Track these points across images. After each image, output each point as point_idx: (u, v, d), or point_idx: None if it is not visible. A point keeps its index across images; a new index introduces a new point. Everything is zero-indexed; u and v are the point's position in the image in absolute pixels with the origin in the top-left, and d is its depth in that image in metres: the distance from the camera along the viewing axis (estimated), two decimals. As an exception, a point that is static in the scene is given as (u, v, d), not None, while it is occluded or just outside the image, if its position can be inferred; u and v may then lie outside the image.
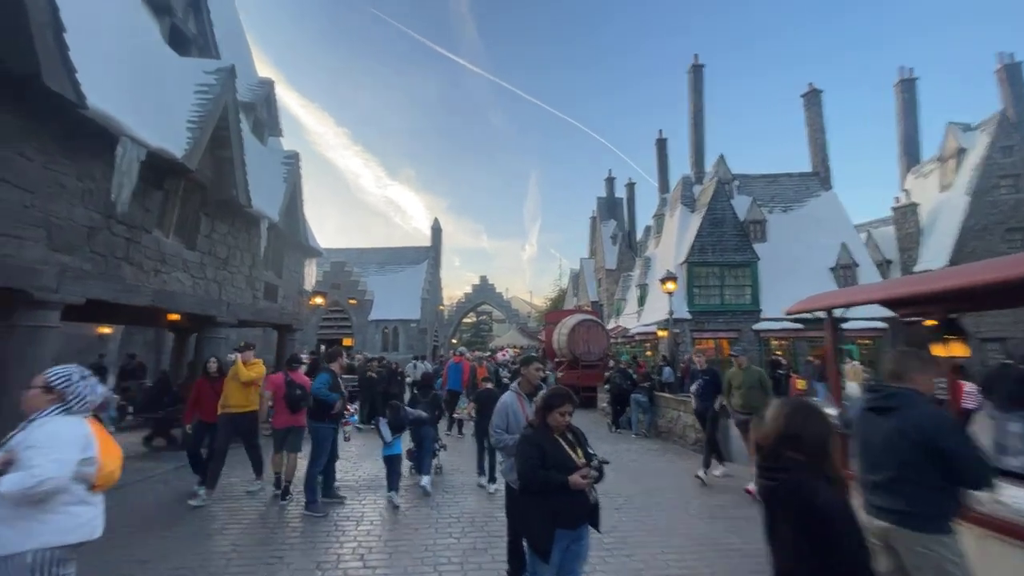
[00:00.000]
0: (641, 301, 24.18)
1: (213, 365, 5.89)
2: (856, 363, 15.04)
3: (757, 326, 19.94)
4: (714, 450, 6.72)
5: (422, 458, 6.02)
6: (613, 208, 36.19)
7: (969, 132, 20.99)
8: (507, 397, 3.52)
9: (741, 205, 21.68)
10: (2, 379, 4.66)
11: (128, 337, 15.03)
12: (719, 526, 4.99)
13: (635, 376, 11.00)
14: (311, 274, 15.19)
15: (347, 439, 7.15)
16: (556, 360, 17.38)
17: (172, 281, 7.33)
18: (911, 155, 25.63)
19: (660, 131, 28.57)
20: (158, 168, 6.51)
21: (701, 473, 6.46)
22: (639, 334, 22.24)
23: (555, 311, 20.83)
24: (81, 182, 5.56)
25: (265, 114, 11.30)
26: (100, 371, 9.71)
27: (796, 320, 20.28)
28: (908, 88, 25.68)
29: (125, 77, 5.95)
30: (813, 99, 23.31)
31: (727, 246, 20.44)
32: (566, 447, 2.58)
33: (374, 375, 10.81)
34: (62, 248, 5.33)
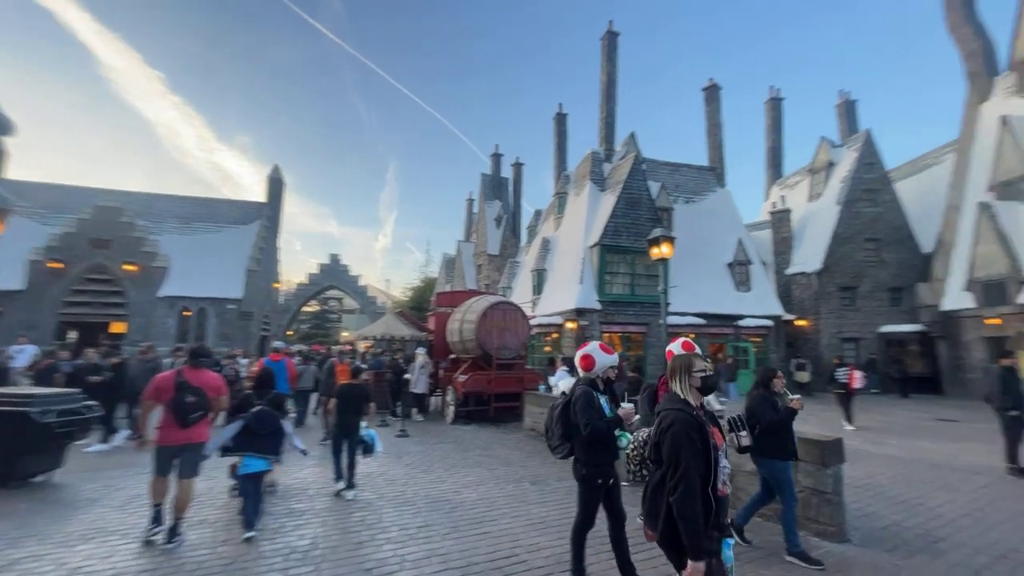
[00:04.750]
0: (538, 289, 20.86)
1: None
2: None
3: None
4: None
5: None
6: (498, 188, 32.63)
7: (837, 148, 22.80)
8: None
9: (650, 191, 19.89)
10: None
11: None
12: None
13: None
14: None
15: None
16: (452, 357, 12.67)
17: None
18: (776, 167, 27.66)
19: (560, 105, 25.90)
20: None
21: None
22: (538, 326, 18.79)
23: (448, 292, 16.01)
24: None
25: None
26: None
27: (700, 315, 19.32)
28: (776, 107, 27.64)
29: None
30: (713, 94, 23.03)
31: (641, 231, 18.28)
32: None
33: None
34: None
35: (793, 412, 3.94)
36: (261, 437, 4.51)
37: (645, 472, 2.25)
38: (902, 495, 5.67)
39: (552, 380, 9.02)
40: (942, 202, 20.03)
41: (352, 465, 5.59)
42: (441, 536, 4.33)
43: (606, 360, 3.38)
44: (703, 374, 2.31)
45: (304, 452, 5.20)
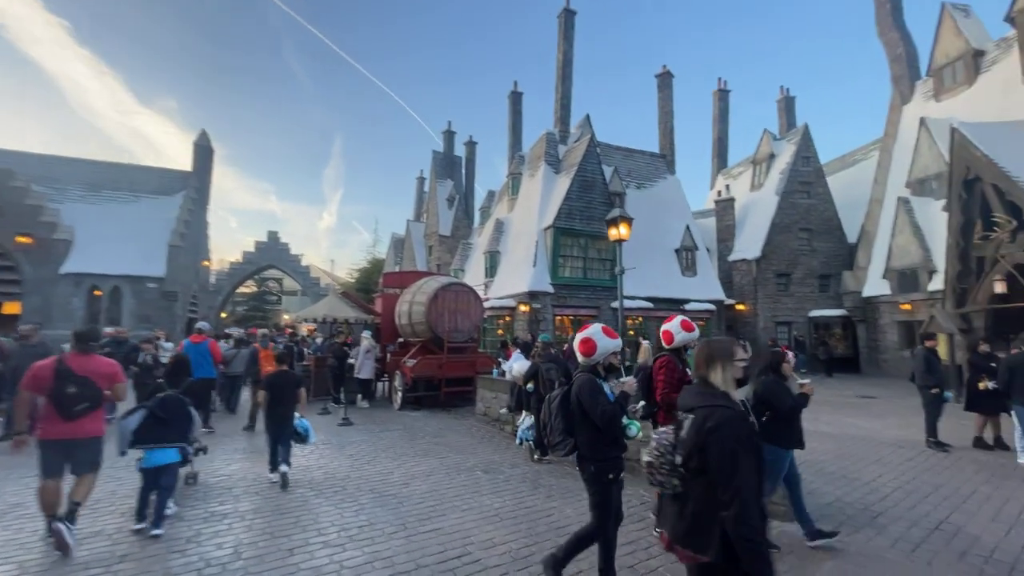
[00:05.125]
0: (491, 271, 20.49)
1: None
2: (647, 343, 15.30)
3: (615, 304, 18.43)
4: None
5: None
6: (451, 167, 31.60)
7: (778, 141, 23.87)
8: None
9: (604, 174, 19.91)
10: None
11: None
12: None
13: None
14: None
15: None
16: (401, 340, 12.08)
17: None
18: (722, 157, 28.67)
19: (515, 84, 25.22)
20: None
21: None
22: (490, 308, 18.47)
23: (397, 273, 15.25)
24: None
25: None
26: None
27: (648, 299, 19.76)
28: (723, 98, 28.53)
29: None
30: (665, 81, 23.30)
31: (594, 214, 18.32)
32: None
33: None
34: None
35: (806, 398, 3.80)
36: (167, 424, 4.20)
37: (676, 482, 1.93)
38: (840, 471, 5.91)
39: (506, 365, 8.74)
40: (867, 196, 21.58)
41: (287, 455, 5.34)
42: (386, 536, 3.93)
43: (609, 344, 3.05)
44: (745, 364, 2.03)
45: (203, 450, 5.24)
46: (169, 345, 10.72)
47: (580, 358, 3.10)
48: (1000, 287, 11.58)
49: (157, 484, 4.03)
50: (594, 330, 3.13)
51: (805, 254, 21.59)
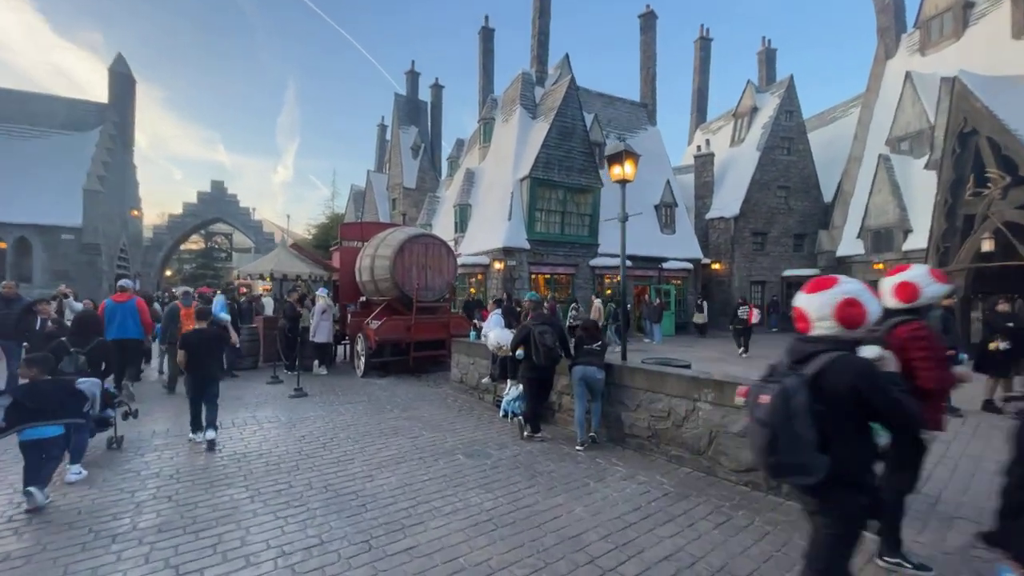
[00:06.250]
0: (461, 226, 19.05)
1: None
2: (598, 301, 15.10)
3: (594, 262, 17.60)
4: None
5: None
6: (415, 113, 29.05)
7: (761, 93, 22.93)
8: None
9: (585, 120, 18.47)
10: None
11: None
12: None
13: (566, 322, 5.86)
14: None
15: None
16: (363, 299, 10.73)
17: None
18: (701, 110, 27.60)
19: (487, 18, 22.81)
20: None
21: None
22: (461, 266, 17.20)
23: (356, 224, 13.61)
24: None
25: None
26: None
27: (627, 256, 18.94)
28: (705, 47, 27.11)
29: None
30: (649, 22, 21.62)
31: (574, 165, 17.04)
32: None
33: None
34: None
35: None
36: (41, 413, 3.71)
37: None
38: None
39: (485, 327, 7.64)
40: (845, 154, 21.25)
41: (213, 414, 5.04)
42: (344, 562, 2.87)
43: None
44: None
45: (133, 414, 5.37)
46: (78, 305, 8.95)
47: (874, 310, 1.91)
48: (988, 245, 11.37)
49: (39, 457, 3.62)
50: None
51: (782, 212, 21.29)
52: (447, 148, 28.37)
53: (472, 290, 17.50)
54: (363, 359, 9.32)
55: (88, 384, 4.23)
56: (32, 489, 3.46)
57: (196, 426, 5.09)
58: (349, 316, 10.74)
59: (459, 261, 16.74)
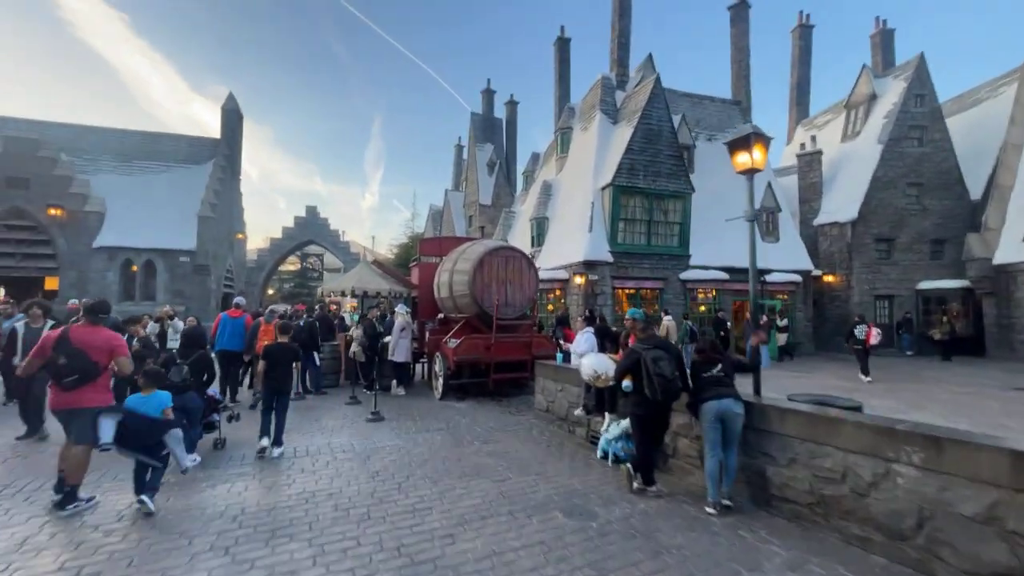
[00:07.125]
0: (538, 240, 18.36)
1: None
2: (668, 318, 12.82)
3: (685, 275, 15.96)
4: None
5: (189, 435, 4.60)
6: (490, 130, 29.25)
7: (881, 78, 19.97)
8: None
9: (672, 121, 17.07)
10: None
11: None
12: None
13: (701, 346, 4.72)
14: None
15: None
16: (441, 316, 10.28)
17: None
18: (802, 105, 24.80)
19: (562, 29, 22.36)
20: None
21: None
22: (539, 281, 16.42)
23: (435, 239, 13.42)
24: None
25: None
26: None
27: (724, 269, 17.03)
28: (805, 35, 24.43)
29: None
30: (740, 14, 19.77)
31: (661, 170, 15.70)
32: None
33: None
34: None
35: None
36: (137, 439, 3.83)
37: None
38: None
39: (574, 348, 6.69)
40: (995, 142, 17.65)
41: (281, 425, 5.35)
42: None
43: None
44: None
45: (235, 417, 5.72)
46: (180, 324, 9.43)
47: None
48: None
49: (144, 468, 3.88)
50: None
51: (914, 214, 18.06)
52: (522, 164, 28.12)
53: (550, 307, 16.61)
54: (441, 380, 8.78)
55: (186, 403, 4.70)
56: (144, 498, 3.75)
57: (264, 432, 5.31)
58: (427, 334, 10.33)
59: (537, 276, 16.03)
